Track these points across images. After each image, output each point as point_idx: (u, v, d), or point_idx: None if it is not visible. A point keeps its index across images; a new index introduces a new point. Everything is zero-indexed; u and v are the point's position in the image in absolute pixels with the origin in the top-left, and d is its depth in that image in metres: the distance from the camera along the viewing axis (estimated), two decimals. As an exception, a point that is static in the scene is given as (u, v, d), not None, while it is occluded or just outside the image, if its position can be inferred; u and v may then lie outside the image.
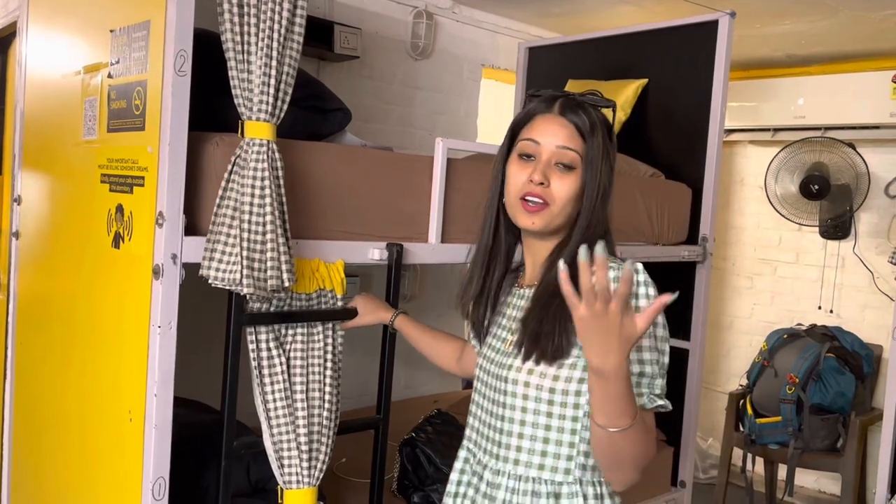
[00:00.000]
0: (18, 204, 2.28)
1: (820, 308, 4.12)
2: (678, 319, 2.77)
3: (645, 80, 2.87)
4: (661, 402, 1.18)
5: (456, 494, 1.36)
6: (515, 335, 1.28)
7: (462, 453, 1.39)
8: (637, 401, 1.11)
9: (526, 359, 1.23)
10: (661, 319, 1.19)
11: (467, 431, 1.38)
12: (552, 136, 1.26)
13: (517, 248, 1.38)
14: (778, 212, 4.10)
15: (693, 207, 2.73)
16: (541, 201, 1.25)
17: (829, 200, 3.93)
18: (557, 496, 1.23)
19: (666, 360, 1.21)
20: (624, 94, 2.85)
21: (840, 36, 3.48)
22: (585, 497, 1.23)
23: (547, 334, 1.20)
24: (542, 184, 1.24)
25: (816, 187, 3.88)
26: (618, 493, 1.28)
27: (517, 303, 1.34)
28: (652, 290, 1.17)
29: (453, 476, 1.38)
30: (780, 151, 4.03)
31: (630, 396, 1.05)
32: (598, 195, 1.26)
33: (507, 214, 1.32)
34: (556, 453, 1.23)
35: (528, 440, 1.24)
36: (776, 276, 4.36)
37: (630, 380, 1.05)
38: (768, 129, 4.16)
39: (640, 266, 1.17)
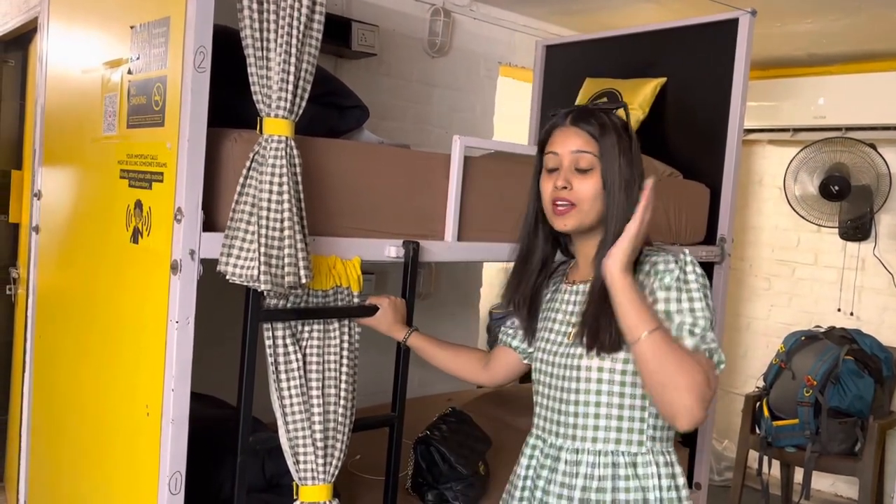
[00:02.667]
0: (38, 199, 2.30)
1: (839, 310, 4.08)
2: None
3: (663, 79, 2.85)
4: (717, 357, 1.30)
5: (526, 478, 1.50)
6: (576, 328, 1.42)
7: (531, 441, 1.52)
8: (690, 341, 1.28)
9: (589, 351, 1.37)
10: (710, 292, 1.34)
11: (536, 421, 1.51)
12: (568, 144, 1.42)
13: (556, 253, 1.54)
14: (797, 212, 4.07)
15: (711, 207, 2.71)
16: (567, 203, 1.40)
17: (849, 201, 3.88)
18: (635, 465, 1.39)
19: (714, 324, 1.32)
20: (642, 93, 2.83)
21: (862, 35, 3.44)
22: (657, 465, 1.39)
23: (604, 328, 1.34)
24: (565, 188, 1.40)
25: (836, 188, 3.84)
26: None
27: (572, 298, 1.47)
28: (699, 269, 1.34)
29: (522, 461, 1.52)
30: (799, 151, 3.99)
31: (641, 304, 1.25)
32: (620, 188, 1.38)
33: (545, 223, 1.47)
34: (630, 428, 1.39)
35: (604, 419, 1.39)
36: (794, 278, 4.32)
37: (636, 292, 1.25)
38: (788, 129, 4.12)
39: (686, 250, 1.36)
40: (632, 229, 1.26)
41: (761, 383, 3.66)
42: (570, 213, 1.40)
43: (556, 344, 1.46)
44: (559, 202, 1.41)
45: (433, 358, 1.77)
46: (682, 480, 1.43)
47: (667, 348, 1.23)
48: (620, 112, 1.47)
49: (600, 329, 1.34)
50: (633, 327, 1.24)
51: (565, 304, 1.49)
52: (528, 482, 1.49)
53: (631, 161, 1.40)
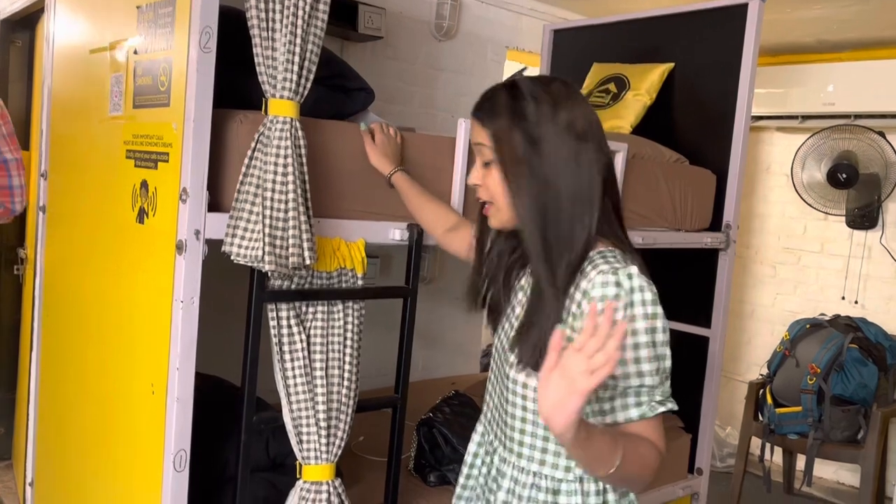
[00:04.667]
0: (45, 179, 2.31)
1: (844, 298, 4.07)
2: (699, 307, 2.75)
3: (671, 65, 2.84)
4: (663, 409, 1.14)
5: (472, 466, 1.40)
6: (514, 332, 1.25)
7: (479, 427, 1.41)
8: (636, 411, 1.13)
9: (517, 363, 1.22)
10: (659, 324, 1.13)
11: (484, 406, 1.39)
12: (472, 137, 1.26)
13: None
14: (804, 200, 4.05)
15: (717, 194, 2.70)
16: (487, 201, 1.25)
17: (857, 189, 3.87)
18: (556, 492, 1.23)
19: (667, 363, 1.15)
20: (650, 79, 2.82)
21: (872, 21, 3.41)
22: (586, 494, 1.21)
23: (530, 344, 1.17)
24: (477, 184, 1.25)
25: (844, 176, 3.82)
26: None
27: (526, 287, 1.28)
28: (648, 295, 1.12)
29: (471, 447, 1.41)
30: (808, 139, 3.97)
31: (602, 450, 1.03)
32: (520, 177, 1.16)
33: None
34: (556, 451, 1.22)
35: (528, 436, 1.24)
36: (800, 266, 4.31)
37: (597, 435, 1.03)
38: (796, 117, 4.10)
39: (633, 270, 1.13)
40: (549, 362, 0.96)
41: (765, 370, 3.67)
42: (491, 210, 1.25)
43: (506, 336, 1.29)
44: (480, 200, 1.27)
45: (408, 202, 1.71)
46: None
47: (630, 473, 1.08)
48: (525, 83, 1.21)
49: (526, 344, 1.17)
50: (594, 471, 1.07)
51: (522, 295, 1.29)
52: (475, 471, 1.39)
53: (536, 139, 1.15)
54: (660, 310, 1.13)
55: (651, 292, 1.13)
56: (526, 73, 1.27)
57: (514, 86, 1.20)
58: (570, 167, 1.16)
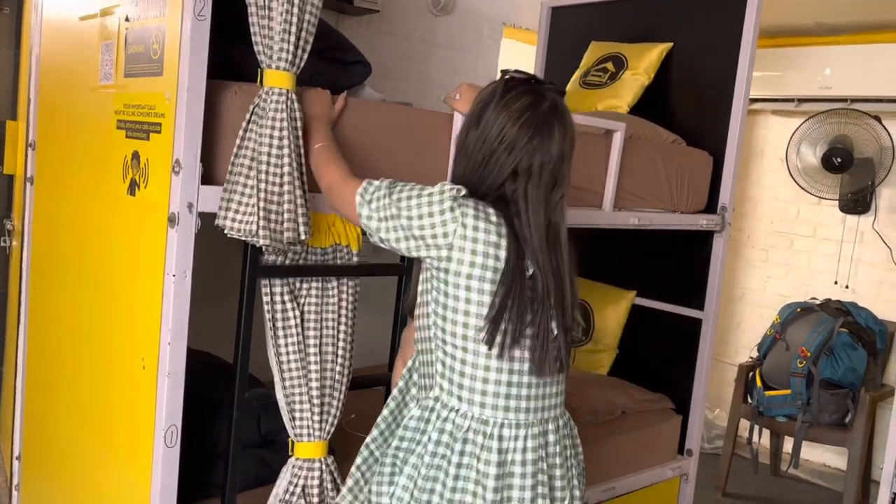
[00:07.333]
0: (33, 149, 2.26)
1: (835, 283, 4.09)
2: (692, 289, 2.74)
3: (669, 45, 2.81)
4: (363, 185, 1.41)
5: None
6: None
7: None
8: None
9: None
10: (409, 193, 1.38)
11: None
12: None
13: None
14: (798, 184, 4.05)
15: (713, 176, 2.69)
16: None
17: (851, 174, 3.87)
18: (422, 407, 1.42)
19: (384, 197, 1.38)
20: (648, 58, 2.79)
21: (871, 4, 3.39)
22: (424, 408, 1.41)
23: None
24: None
25: (839, 160, 3.81)
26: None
27: None
28: (425, 191, 1.36)
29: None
30: (803, 122, 3.96)
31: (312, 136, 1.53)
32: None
33: None
34: (427, 373, 1.43)
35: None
36: (792, 250, 4.32)
37: (315, 130, 1.54)
38: (792, 100, 4.08)
39: (446, 187, 1.36)
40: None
41: (755, 353, 3.69)
42: None
43: None
44: None
45: None
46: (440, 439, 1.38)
47: (323, 164, 1.50)
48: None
49: None
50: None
51: None
52: None
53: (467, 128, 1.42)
54: (422, 200, 1.35)
55: (433, 199, 1.34)
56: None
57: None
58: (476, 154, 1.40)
